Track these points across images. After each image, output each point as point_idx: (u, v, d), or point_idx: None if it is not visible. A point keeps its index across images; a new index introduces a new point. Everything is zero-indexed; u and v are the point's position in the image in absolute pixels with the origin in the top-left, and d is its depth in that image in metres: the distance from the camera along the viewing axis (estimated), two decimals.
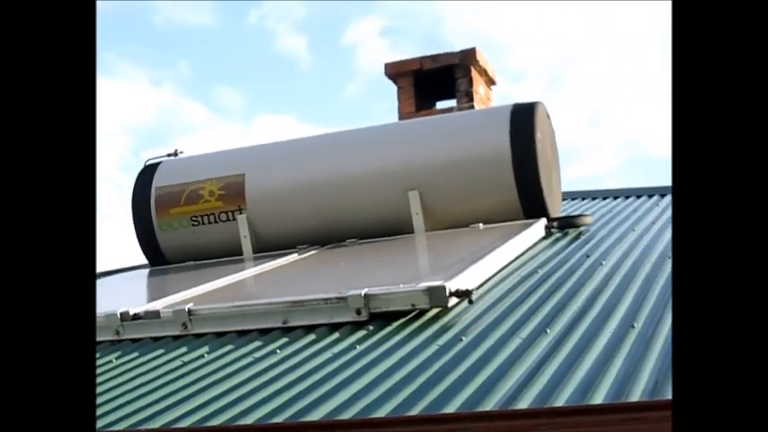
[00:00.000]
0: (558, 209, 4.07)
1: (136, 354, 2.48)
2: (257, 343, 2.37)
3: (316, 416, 1.75)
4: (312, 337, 2.35)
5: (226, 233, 4.17)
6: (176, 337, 2.58)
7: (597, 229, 3.71)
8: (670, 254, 2.89)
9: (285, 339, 2.37)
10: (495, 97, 6.10)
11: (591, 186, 7.15)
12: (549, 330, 2.11)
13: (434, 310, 2.39)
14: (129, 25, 14.16)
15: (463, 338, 2.13)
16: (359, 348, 2.18)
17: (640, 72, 14.47)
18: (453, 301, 2.40)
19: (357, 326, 2.37)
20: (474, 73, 5.68)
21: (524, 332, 2.13)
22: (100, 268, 5.07)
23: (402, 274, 2.81)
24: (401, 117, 5.71)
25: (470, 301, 2.37)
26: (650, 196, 4.83)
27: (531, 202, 3.78)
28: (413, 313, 2.39)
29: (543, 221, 3.67)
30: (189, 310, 2.59)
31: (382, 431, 1.65)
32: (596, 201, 5.02)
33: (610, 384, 1.69)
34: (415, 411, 1.69)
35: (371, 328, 2.33)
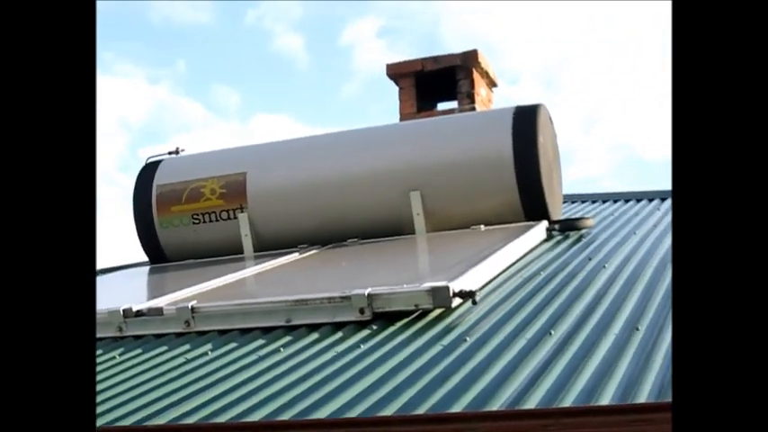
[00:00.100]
0: (559, 211, 4.08)
1: (139, 350, 2.47)
2: (260, 341, 2.37)
3: (321, 414, 1.75)
4: (315, 335, 2.35)
5: (227, 231, 4.17)
6: (179, 335, 2.58)
7: (598, 232, 3.71)
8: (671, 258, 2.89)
9: (288, 338, 2.36)
10: (496, 99, 6.11)
11: (588, 188, 7.17)
12: (553, 332, 2.11)
13: (437, 311, 2.39)
14: (127, 23, 14.18)
15: (467, 339, 2.13)
16: (363, 347, 2.18)
17: (637, 73, 14.50)
18: (456, 301, 2.40)
19: (360, 325, 2.37)
20: (476, 74, 5.68)
21: (529, 333, 2.13)
22: (98, 266, 5.06)
23: (404, 274, 2.81)
24: (402, 118, 5.71)
25: (474, 302, 2.38)
26: (650, 200, 4.83)
27: (532, 205, 3.78)
28: (416, 313, 2.39)
29: (545, 224, 3.68)
30: (192, 308, 2.59)
31: (389, 430, 1.65)
32: (596, 204, 5.03)
33: (616, 386, 1.69)
34: (420, 411, 1.69)
35: (375, 327, 2.34)
